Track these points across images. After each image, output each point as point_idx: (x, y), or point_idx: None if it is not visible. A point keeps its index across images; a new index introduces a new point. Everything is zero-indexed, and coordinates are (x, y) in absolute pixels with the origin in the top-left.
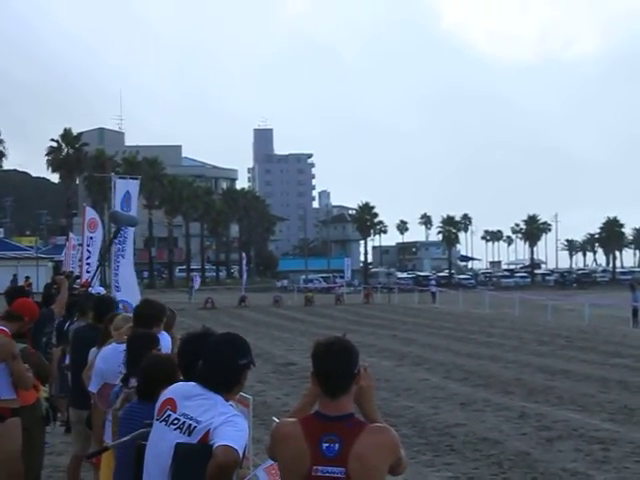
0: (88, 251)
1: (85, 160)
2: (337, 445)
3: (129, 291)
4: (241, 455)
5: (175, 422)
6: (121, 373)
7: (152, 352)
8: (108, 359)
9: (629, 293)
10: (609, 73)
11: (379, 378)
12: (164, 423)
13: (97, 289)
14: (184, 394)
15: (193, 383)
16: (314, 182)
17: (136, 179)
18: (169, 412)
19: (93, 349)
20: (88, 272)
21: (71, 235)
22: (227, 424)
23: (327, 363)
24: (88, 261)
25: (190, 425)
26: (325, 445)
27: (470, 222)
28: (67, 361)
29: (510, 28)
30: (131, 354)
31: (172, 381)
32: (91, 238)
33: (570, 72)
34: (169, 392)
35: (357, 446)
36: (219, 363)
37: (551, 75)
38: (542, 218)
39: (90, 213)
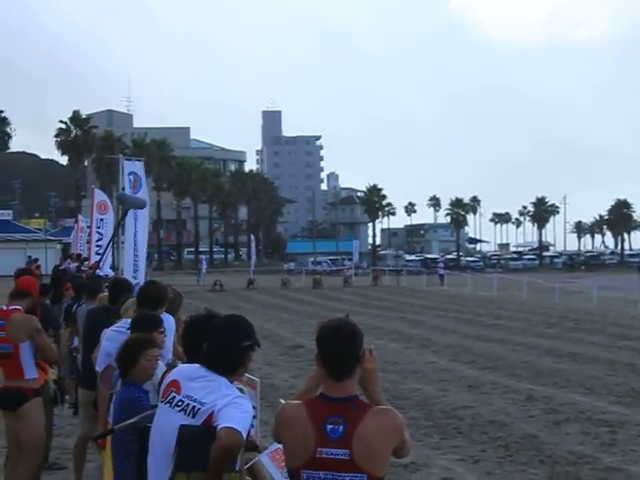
0: (99, 233)
1: (94, 142)
2: (341, 427)
3: (140, 272)
4: (245, 437)
5: (179, 404)
6: None
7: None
8: (113, 338)
9: (637, 275)
10: (618, 56)
11: (387, 360)
12: (168, 405)
13: (105, 271)
14: (188, 376)
15: (197, 365)
16: (322, 164)
17: (140, 160)
18: (173, 394)
19: (105, 330)
20: (98, 254)
21: (80, 217)
22: (231, 406)
23: (331, 346)
24: (99, 243)
25: (194, 407)
26: (329, 427)
27: (478, 204)
28: (75, 343)
29: (518, 12)
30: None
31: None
32: (102, 220)
33: (578, 55)
34: (173, 374)
35: (361, 428)
36: (223, 345)
37: (560, 58)
38: (550, 200)
39: (100, 195)
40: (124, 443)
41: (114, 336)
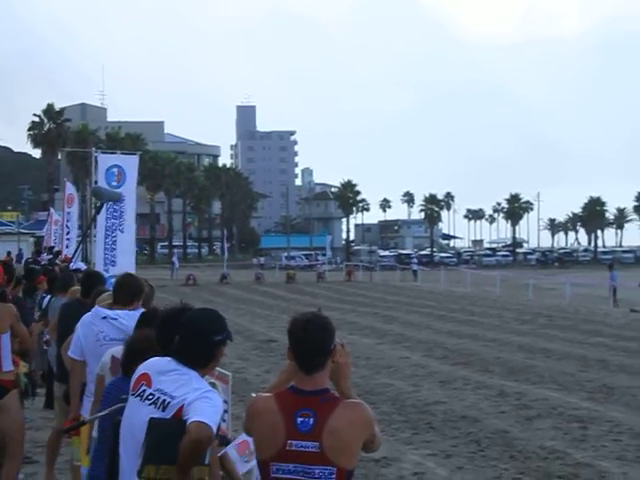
0: (67, 227)
1: (67, 135)
2: (312, 420)
3: (124, 267)
4: (215, 431)
5: (150, 397)
6: (98, 341)
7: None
8: (85, 323)
9: (609, 273)
10: (593, 52)
11: (359, 356)
12: (139, 398)
13: (78, 265)
14: (159, 369)
15: (169, 358)
16: (297, 159)
17: (134, 154)
18: (144, 387)
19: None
20: (67, 247)
21: (52, 210)
22: (201, 400)
23: (303, 338)
24: (68, 236)
25: (164, 400)
26: (300, 420)
27: (452, 200)
28: (46, 336)
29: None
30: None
31: (150, 355)
32: (69, 213)
33: (552, 51)
34: (144, 367)
35: (331, 421)
36: (194, 338)
37: (534, 54)
38: (524, 197)
39: (69, 188)
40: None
41: (86, 321)
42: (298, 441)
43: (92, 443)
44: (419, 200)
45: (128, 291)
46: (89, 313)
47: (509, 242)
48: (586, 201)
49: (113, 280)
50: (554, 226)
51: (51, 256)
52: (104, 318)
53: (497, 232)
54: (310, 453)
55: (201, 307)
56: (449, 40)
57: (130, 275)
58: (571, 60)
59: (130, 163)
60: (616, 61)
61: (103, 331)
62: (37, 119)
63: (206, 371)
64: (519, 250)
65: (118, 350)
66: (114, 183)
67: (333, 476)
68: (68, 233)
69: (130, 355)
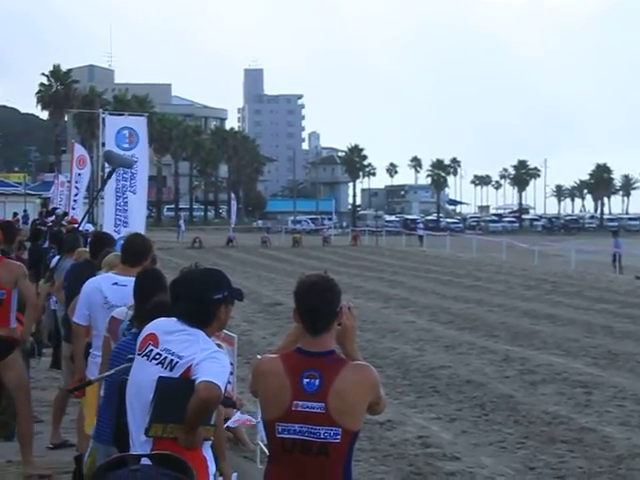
0: (76, 187)
1: (74, 97)
2: (317, 381)
3: (136, 229)
4: (223, 391)
5: (157, 357)
6: (106, 304)
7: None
8: (92, 288)
9: (613, 240)
10: (602, 16)
11: (365, 320)
12: (146, 358)
13: (86, 226)
14: (166, 329)
15: (175, 319)
16: (304, 123)
17: (142, 116)
18: (151, 347)
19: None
20: (74, 209)
21: (58, 173)
22: (209, 360)
23: (309, 300)
24: (75, 198)
25: (172, 360)
26: (306, 380)
27: (459, 166)
28: (53, 298)
29: None
30: (139, 292)
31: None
32: (79, 175)
33: (563, 14)
34: (151, 327)
35: (337, 382)
36: (192, 297)
37: (545, 16)
38: (532, 163)
39: (79, 150)
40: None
41: (92, 284)
42: (304, 402)
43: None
44: (426, 165)
45: (137, 251)
46: (98, 277)
47: (515, 208)
48: (593, 168)
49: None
50: (561, 193)
51: (53, 217)
52: (114, 284)
53: (504, 198)
54: (316, 414)
55: (204, 267)
56: (459, 1)
57: (139, 235)
58: (580, 25)
59: (140, 124)
60: (625, 26)
61: (110, 295)
62: (45, 80)
63: (210, 331)
64: (525, 216)
65: (119, 312)
66: (125, 145)
67: (338, 437)
68: (76, 195)
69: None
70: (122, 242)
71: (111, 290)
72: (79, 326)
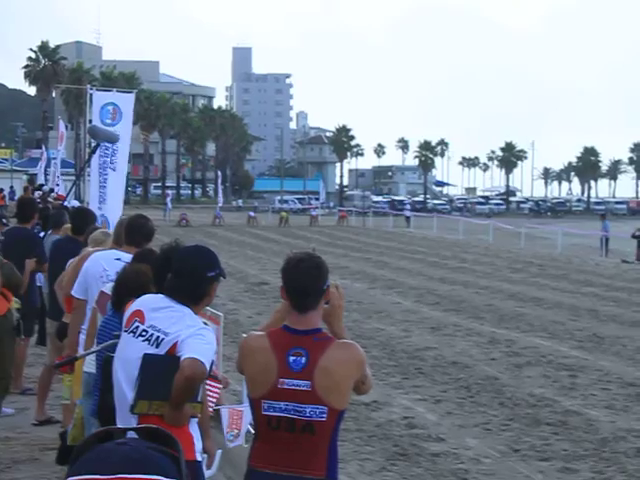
0: (55, 164)
1: (62, 73)
2: (304, 359)
3: (114, 206)
4: (208, 368)
5: (143, 334)
6: (102, 277)
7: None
8: (93, 261)
9: (601, 223)
10: None
11: (351, 300)
12: (132, 334)
13: (72, 203)
14: (152, 306)
15: (162, 295)
16: (292, 103)
17: (130, 92)
18: (137, 324)
19: (71, 260)
20: (57, 185)
21: (43, 149)
22: (195, 337)
23: (297, 277)
24: (57, 174)
25: (158, 337)
26: (292, 358)
27: (447, 147)
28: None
29: None
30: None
31: (142, 292)
32: (58, 151)
33: None
34: (137, 304)
35: (323, 360)
36: (187, 275)
37: None
38: (519, 145)
39: (61, 127)
40: None
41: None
42: (290, 379)
43: (84, 378)
44: (414, 147)
45: (140, 233)
46: (101, 252)
47: (502, 190)
48: (581, 151)
49: (101, 220)
50: (548, 175)
51: (40, 193)
52: (117, 259)
53: (491, 180)
54: (302, 391)
55: (193, 244)
56: None
57: (143, 217)
58: (568, 6)
59: (126, 101)
60: (613, 7)
61: (109, 269)
62: (33, 55)
63: (199, 308)
64: (512, 199)
65: (109, 287)
66: (108, 121)
67: (324, 415)
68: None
69: (120, 290)
70: (102, 220)
71: (111, 265)
72: (79, 300)
